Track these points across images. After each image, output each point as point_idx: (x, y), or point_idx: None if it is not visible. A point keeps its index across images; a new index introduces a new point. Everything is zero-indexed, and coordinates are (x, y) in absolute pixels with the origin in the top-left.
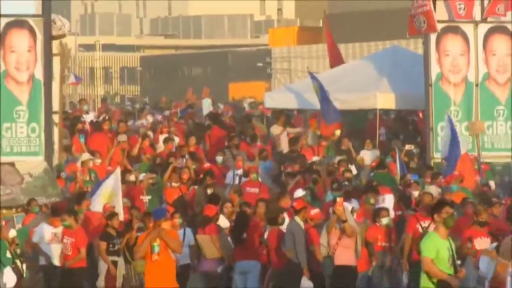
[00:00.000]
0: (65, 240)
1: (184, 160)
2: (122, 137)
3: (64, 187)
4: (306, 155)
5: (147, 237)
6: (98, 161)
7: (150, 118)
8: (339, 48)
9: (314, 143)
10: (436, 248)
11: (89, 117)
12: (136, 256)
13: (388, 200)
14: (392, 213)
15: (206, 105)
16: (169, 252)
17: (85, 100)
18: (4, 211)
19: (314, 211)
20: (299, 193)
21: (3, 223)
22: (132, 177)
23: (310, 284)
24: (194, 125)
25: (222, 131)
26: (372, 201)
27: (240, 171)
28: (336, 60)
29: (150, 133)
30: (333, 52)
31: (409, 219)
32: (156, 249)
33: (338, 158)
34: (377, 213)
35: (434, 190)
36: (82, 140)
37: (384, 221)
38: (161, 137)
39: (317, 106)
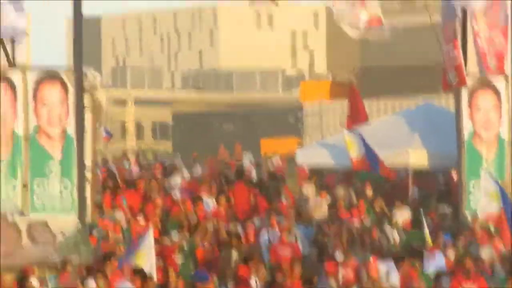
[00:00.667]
0: None
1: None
2: (154, 195)
3: (97, 245)
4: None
5: None
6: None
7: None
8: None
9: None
10: None
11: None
12: None
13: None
14: None
15: (246, 160)
16: None
17: (125, 156)
18: (36, 270)
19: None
20: (340, 258)
21: (37, 283)
22: (166, 240)
23: None
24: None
25: (245, 188)
26: (416, 264)
27: (277, 232)
28: (356, 118)
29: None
30: (355, 108)
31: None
32: None
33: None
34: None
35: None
36: (124, 202)
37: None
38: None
39: (347, 163)
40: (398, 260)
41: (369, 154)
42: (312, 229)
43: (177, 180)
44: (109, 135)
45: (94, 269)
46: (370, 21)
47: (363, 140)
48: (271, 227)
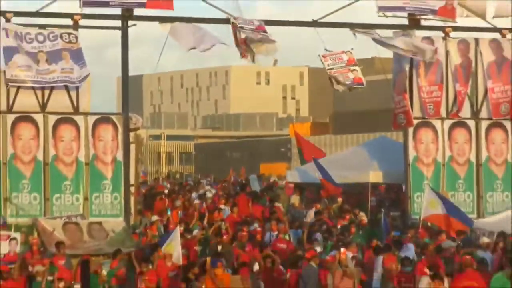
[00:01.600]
0: (139, 280)
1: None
2: (177, 203)
3: (138, 240)
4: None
5: (200, 281)
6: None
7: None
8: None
9: (324, 206)
10: None
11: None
12: None
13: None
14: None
15: (253, 180)
16: None
17: (166, 179)
18: (93, 258)
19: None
20: (318, 249)
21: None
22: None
23: None
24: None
25: (246, 197)
26: (396, 252)
27: (275, 233)
28: (310, 154)
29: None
30: (306, 148)
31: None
32: None
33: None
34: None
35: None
36: (169, 212)
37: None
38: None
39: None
40: (384, 250)
41: (327, 176)
42: (301, 231)
43: (208, 195)
44: (145, 174)
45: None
46: (355, 79)
47: (320, 167)
48: (272, 230)
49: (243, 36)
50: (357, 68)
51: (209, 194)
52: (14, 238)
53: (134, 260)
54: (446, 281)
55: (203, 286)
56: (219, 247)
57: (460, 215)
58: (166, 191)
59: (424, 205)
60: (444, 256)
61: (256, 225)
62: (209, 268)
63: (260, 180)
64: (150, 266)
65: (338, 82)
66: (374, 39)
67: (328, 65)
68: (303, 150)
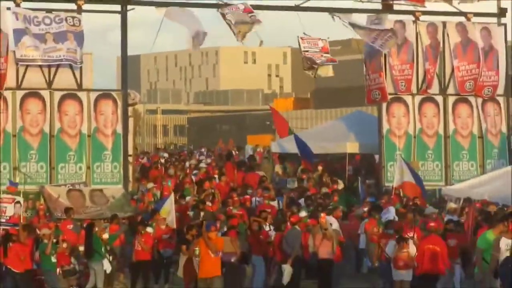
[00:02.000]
0: (137, 241)
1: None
2: (170, 172)
3: (136, 206)
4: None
5: (195, 243)
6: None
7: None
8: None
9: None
10: None
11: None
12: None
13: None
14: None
15: (248, 149)
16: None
17: (163, 149)
18: (96, 222)
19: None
20: (303, 214)
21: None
22: (183, 201)
23: (290, 268)
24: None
25: (232, 165)
26: (376, 216)
27: (260, 199)
28: (283, 130)
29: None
30: (279, 124)
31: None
32: (197, 252)
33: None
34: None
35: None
36: (170, 183)
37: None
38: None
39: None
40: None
41: (304, 151)
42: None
43: (202, 165)
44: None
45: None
46: (328, 59)
47: (300, 142)
48: (259, 196)
49: (233, 21)
50: (329, 56)
51: (203, 165)
52: (18, 202)
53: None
54: (411, 244)
55: (197, 248)
56: (201, 213)
57: (422, 187)
58: (162, 160)
59: (396, 174)
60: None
61: (250, 191)
62: (203, 231)
63: (254, 151)
64: (148, 229)
65: (311, 63)
66: (350, 23)
67: (304, 47)
68: (276, 126)
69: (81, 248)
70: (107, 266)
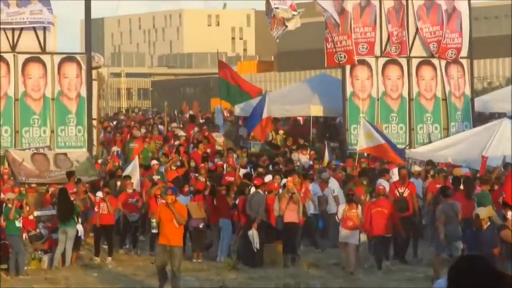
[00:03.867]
0: (101, 205)
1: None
2: (137, 133)
3: (100, 169)
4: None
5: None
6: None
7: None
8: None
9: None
10: None
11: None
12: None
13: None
14: None
15: (217, 112)
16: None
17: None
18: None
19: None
20: (267, 178)
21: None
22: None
23: (256, 232)
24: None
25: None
26: (364, 182)
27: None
28: (253, 89)
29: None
30: (246, 85)
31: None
32: (154, 224)
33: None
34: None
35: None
36: (132, 144)
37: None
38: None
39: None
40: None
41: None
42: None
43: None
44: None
45: (101, 185)
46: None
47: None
48: (230, 164)
49: None
50: (296, 13)
51: (182, 133)
52: None
53: (89, 193)
54: (359, 207)
55: (154, 220)
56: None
57: (396, 149)
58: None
59: (361, 137)
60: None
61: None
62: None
63: (223, 114)
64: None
65: (283, 19)
66: None
67: (275, 4)
68: (244, 88)
69: (44, 213)
70: (80, 230)
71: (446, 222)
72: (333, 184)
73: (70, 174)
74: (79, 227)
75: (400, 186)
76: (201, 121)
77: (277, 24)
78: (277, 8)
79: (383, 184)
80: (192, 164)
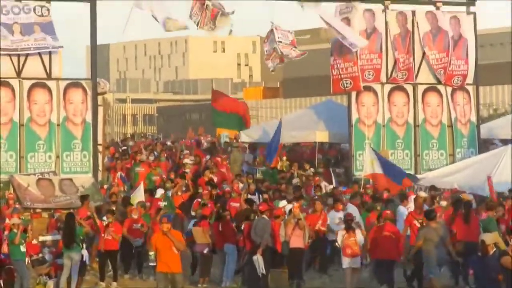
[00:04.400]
0: (107, 230)
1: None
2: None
3: (105, 195)
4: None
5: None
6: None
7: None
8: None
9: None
10: None
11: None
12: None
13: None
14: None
15: (223, 138)
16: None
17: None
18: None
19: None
20: (282, 203)
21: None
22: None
23: (261, 257)
24: None
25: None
26: (378, 208)
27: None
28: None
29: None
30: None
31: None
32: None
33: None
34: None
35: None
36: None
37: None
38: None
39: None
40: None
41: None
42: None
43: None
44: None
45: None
46: (297, 55)
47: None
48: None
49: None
50: (298, 51)
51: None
52: None
53: (96, 217)
54: (359, 233)
55: (152, 253)
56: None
57: (394, 174)
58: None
59: (366, 163)
60: None
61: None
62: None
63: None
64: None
65: (284, 56)
66: (320, 17)
67: (279, 38)
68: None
69: (49, 238)
70: (85, 255)
71: (429, 246)
72: (352, 210)
73: (83, 198)
74: (84, 252)
75: (419, 216)
76: (205, 145)
77: (275, 57)
78: (280, 42)
79: (401, 210)
80: (201, 190)
